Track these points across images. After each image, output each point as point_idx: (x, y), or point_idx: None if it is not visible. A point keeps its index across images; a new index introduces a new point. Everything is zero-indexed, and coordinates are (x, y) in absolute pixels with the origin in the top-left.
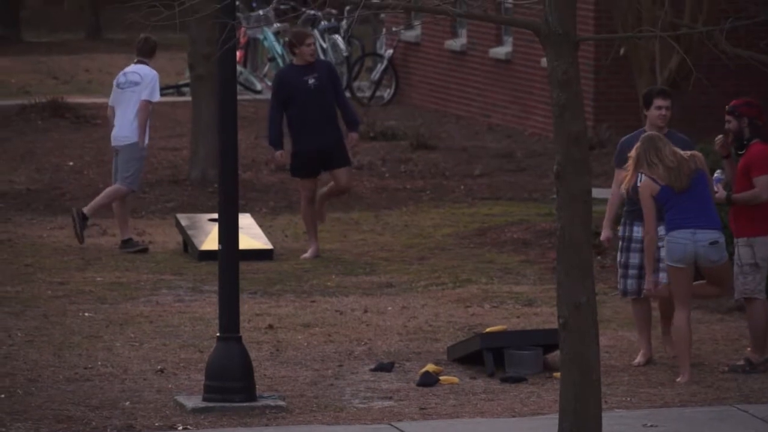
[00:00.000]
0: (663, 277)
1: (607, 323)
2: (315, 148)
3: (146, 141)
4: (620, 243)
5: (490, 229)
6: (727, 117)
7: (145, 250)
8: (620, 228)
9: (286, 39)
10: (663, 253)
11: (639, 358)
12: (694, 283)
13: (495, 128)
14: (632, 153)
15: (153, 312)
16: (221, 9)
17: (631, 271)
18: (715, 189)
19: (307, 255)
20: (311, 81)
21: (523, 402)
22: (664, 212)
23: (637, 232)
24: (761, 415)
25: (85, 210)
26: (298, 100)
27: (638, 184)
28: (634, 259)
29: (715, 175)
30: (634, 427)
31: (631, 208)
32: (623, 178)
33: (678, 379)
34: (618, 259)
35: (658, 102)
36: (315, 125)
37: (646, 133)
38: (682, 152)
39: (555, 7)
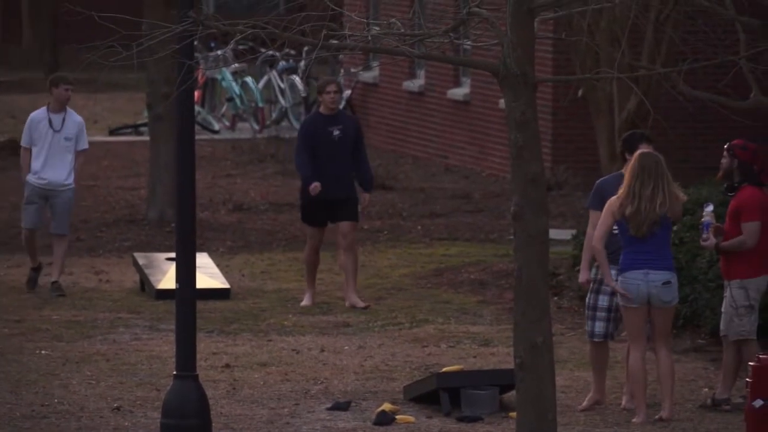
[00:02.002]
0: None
1: (563, 363)
2: (327, 198)
3: (26, 179)
4: (591, 285)
5: (447, 269)
6: (724, 153)
7: (33, 283)
8: (593, 270)
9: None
10: (618, 298)
11: (585, 403)
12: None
13: (452, 169)
14: (629, 164)
15: (110, 350)
16: (179, 49)
17: (600, 314)
18: (705, 236)
19: (305, 302)
20: (336, 132)
21: None
22: (620, 248)
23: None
24: None
25: (56, 278)
26: (321, 149)
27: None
28: (603, 302)
29: (705, 218)
30: None
31: (608, 250)
32: (597, 220)
33: (634, 420)
34: (587, 300)
35: (644, 148)
36: (331, 176)
37: (646, 153)
38: (662, 197)
39: (513, 48)
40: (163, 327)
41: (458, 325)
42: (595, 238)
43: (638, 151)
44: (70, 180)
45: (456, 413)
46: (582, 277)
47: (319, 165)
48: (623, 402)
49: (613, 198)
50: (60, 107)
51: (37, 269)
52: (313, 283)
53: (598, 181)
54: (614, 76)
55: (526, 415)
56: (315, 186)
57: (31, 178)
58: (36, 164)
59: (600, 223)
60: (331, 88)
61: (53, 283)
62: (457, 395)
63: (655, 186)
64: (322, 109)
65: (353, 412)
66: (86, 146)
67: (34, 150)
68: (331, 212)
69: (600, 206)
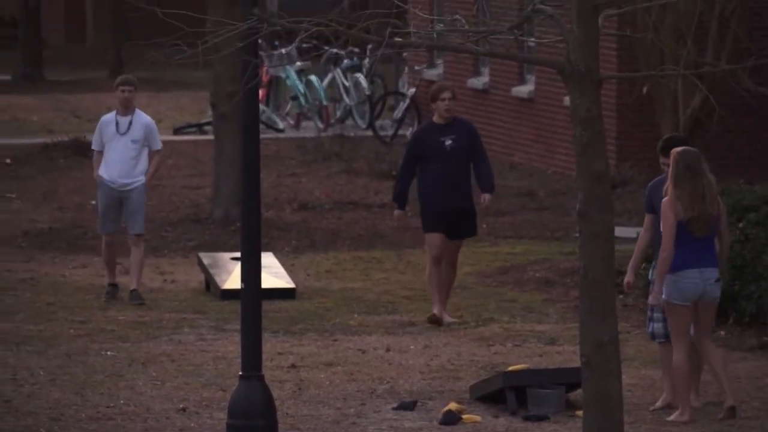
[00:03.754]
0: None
1: (630, 361)
2: (443, 211)
3: (98, 182)
4: (650, 285)
5: (512, 267)
6: None
7: (110, 297)
8: (651, 270)
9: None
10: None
11: (659, 403)
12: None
13: (518, 167)
14: (672, 163)
15: (175, 351)
16: (244, 47)
17: (656, 314)
18: None
19: (440, 317)
20: (448, 142)
21: None
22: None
23: None
24: None
25: (135, 286)
26: (433, 160)
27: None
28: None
29: None
30: None
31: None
32: (649, 223)
33: (670, 418)
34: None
35: None
36: (446, 189)
37: (686, 150)
38: (710, 193)
39: (578, 45)
40: (229, 327)
41: (524, 323)
42: (666, 249)
43: (677, 149)
44: (139, 176)
45: (522, 412)
46: (627, 278)
47: (432, 176)
48: (659, 403)
49: (667, 201)
50: (125, 110)
51: (115, 286)
52: (440, 298)
53: (649, 184)
54: (679, 73)
55: (592, 414)
56: (399, 215)
57: (102, 175)
58: (104, 167)
59: (666, 233)
60: (446, 95)
61: (132, 291)
62: (523, 394)
63: (703, 183)
64: (435, 118)
65: (419, 411)
66: (159, 146)
67: (104, 152)
68: (449, 224)
69: (650, 209)
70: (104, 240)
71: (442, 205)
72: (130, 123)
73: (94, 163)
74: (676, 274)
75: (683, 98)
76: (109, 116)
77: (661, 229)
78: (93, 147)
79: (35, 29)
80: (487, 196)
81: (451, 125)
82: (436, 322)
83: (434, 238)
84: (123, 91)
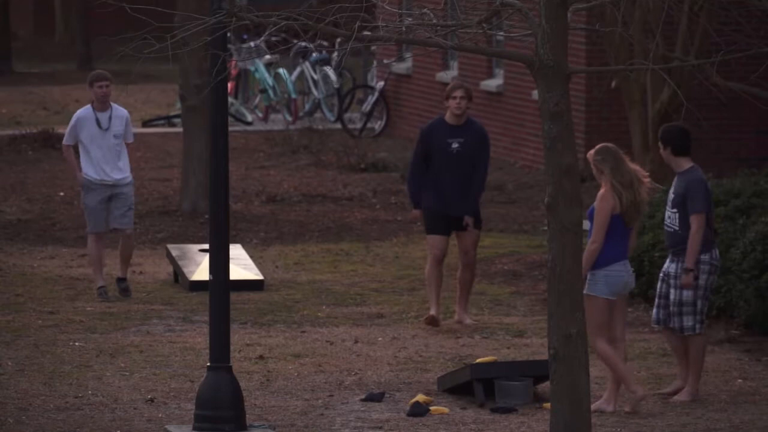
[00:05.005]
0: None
1: None
2: (446, 212)
3: (84, 178)
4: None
5: (480, 260)
6: None
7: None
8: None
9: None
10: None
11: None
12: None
13: None
14: (600, 159)
15: (143, 342)
16: (212, 41)
17: (655, 300)
18: None
19: (434, 315)
20: (455, 145)
21: None
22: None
23: (670, 267)
24: None
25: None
26: (437, 161)
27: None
28: (659, 288)
29: None
30: None
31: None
32: None
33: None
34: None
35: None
36: (449, 191)
37: (608, 146)
38: (637, 183)
39: (546, 39)
40: (197, 318)
41: (492, 316)
42: (597, 241)
43: (592, 150)
44: (127, 171)
45: (490, 404)
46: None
47: (435, 178)
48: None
49: (603, 194)
50: (102, 106)
51: (104, 287)
52: (437, 300)
53: None
54: (648, 68)
55: (560, 406)
56: (415, 213)
57: (90, 175)
58: (89, 167)
59: (599, 225)
60: (458, 93)
61: (120, 280)
62: (491, 386)
63: (629, 172)
64: (447, 117)
65: (387, 403)
66: (131, 140)
67: (85, 150)
68: (452, 223)
69: None
70: (91, 239)
71: (444, 209)
72: (110, 118)
73: (69, 161)
74: (607, 268)
75: (652, 92)
76: (85, 112)
77: (594, 221)
78: (65, 142)
79: (4, 21)
80: (467, 218)
81: (461, 127)
82: (432, 323)
83: (435, 240)
84: (101, 87)
